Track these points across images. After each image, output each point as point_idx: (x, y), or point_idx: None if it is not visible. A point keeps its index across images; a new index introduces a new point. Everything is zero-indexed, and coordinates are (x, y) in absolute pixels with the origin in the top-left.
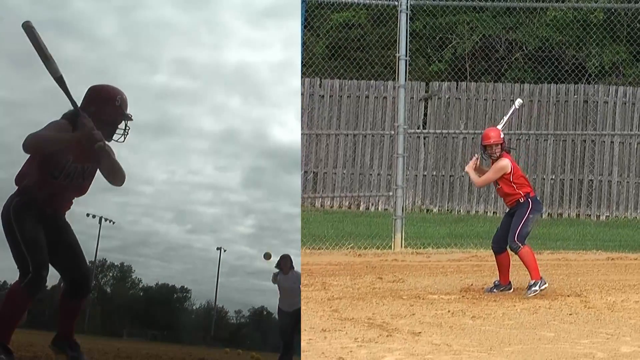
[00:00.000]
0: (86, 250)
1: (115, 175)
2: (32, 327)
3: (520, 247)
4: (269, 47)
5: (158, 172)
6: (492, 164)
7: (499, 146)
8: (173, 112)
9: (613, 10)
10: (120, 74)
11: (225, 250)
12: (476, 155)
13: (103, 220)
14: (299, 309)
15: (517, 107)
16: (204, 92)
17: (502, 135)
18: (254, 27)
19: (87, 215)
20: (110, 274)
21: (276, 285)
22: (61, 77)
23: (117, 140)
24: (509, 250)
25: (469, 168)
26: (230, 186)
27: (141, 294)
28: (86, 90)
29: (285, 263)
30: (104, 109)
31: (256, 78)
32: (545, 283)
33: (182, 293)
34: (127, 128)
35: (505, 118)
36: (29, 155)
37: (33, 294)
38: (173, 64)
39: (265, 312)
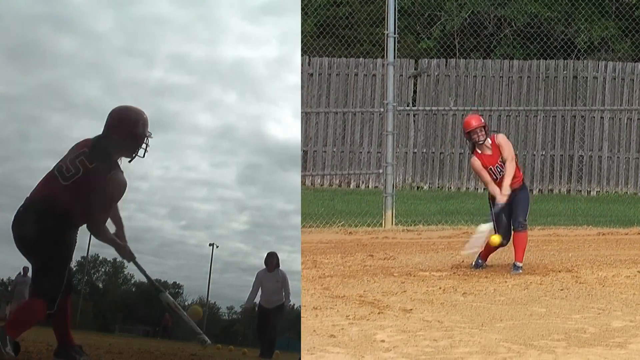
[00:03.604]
0: (78, 246)
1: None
2: None
3: (527, 227)
4: (265, 43)
5: (153, 168)
6: (493, 148)
7: (483, 129)
8: (169, 108)
9: None
10: (116, 69)
11: (217, 247)
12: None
13: None
14: (280, 306)
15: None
16: (200, 88)
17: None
18: (250, 23)
19: None
20: (103, 270)
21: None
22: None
23: (139, 156)
24: (513, 228)
25: (505, 193)
26: (226, 182)
27: (133, 289)
28: (109, 115)
29: (270, 260)
30: (133, 136)
31: (253, 74)
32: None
33: (175, 289)
34: (148, 144)
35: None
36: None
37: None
38: (169, 60)
39: (257, 309)
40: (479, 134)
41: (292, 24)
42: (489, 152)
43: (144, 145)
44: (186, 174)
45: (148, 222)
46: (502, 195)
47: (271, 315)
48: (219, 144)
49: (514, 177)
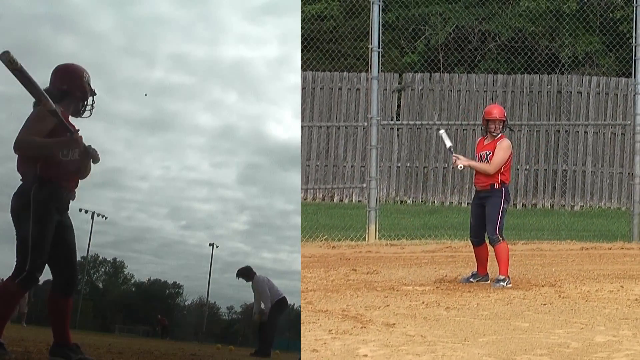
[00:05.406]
0: (78, 246)
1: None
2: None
3: (500, 241)
4: (266, 43)
5: (153, 167)
6: (493, 142)
7: (502, 123)
8: (169, 108)
9: (586, 0)
10: (117, 69)
11: (217, 247)
12: (452, 153)
13: (96, 215)
14: (280, 301)
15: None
16: (200, 88)
17: (504, 114)
18: (251, 23)
19: (80, 210)
20: (103, 270)
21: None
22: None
23: (83, 117)
24: (487, 242)
25: (466, 162)
26: (226, 182)
27: (133, 289)
28: (53, 71)
29: (247, 272)
30: (75, 85)
31: (253, 74)
32: (510, 283)
33: (175, 289)
34: (93, 103)
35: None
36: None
37: (25, 290)
38: (170, 60)
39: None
40: (497, 126)
41: (292, 24)
42: (488, 142)
43: (90, 103)
44: (186, 174)
45: (148, 222)
46: (457, 159)
47: (273, 311)
48: (219, 144)
49: (483, 175)
